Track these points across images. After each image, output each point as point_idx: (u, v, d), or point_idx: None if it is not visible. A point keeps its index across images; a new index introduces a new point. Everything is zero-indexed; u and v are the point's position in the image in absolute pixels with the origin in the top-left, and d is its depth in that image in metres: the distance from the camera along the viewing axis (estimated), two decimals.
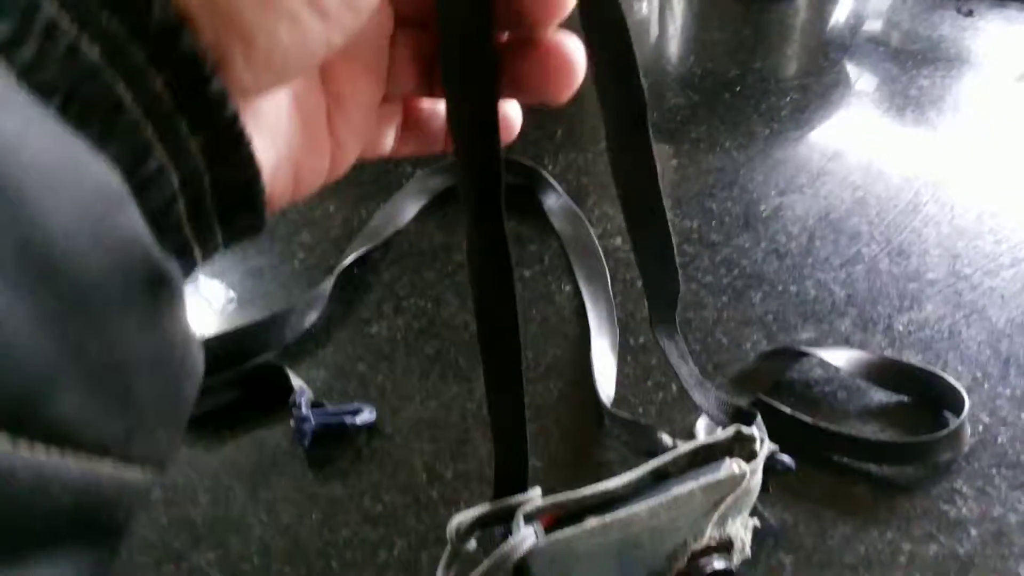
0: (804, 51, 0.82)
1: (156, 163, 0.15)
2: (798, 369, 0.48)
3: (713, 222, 0.59)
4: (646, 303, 0.38)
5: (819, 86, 0.74)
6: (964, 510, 0.41)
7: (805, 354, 0.47)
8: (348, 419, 0.46)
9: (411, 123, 0.27)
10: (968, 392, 0.44)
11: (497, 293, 0.28)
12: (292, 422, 0.46)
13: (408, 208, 0.63)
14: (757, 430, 0.36)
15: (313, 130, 0.22)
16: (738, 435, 0.36)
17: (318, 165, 0.23)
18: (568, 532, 0.32)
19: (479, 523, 0.34)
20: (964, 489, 0.41)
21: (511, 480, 0.35)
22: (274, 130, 0.20)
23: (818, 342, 0.50)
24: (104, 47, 0.14)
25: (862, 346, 0.49)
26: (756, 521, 0.37)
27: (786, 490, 0.42)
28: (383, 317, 0.55)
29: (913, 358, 0.48)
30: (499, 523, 0.35)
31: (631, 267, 0.55)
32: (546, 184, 0.63)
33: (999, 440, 0.43)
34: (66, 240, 0.13)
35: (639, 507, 0.33)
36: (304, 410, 0.46)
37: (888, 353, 0.48)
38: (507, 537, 0.33)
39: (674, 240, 0.34)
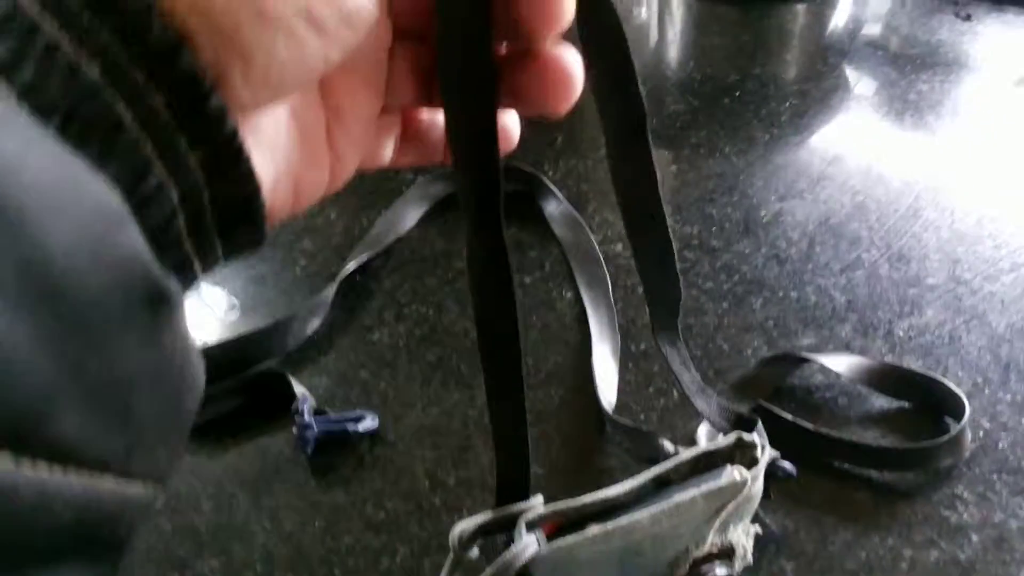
0: (803, 56, 0.82)
1: (156, 180, 0.15)
2: (799, 375, 0.48)
3: (713, 228, 0.59)
4: (647, 310, 0.38)
5: (818, 91, 0.74)
6: (965, 516, 0.41)
7: (806, 360, 0.47)
8: (351, 426, 0.46)
9: (410, 134, 0.27)
10: (968, 398, 0.44)
11: (497, 301, 0.28)
12: (295, 429, 0.46)
13: (409, 215, 0.63)
14: (758, 437, 0.37)
15: (312, 144, 0.22)
16: (739, 442, 0.36)
17: (317, 178, 0.23)
18: (570, 540, 0.32)
19: (481, 531, 0.34)
20: (965, 495, 0.41)
21: (513, 488, 0.35)
22: (273, 144, 0.20)
23: (819, 348, 0.50)
24: (104, 66, 0.14)
25: (863, 352, 0.49)
26: (757, 528, 0.37)
27: (787, 496, 0.42)
28: (385, 324, 0.55)
29: (914, 364, 0.48)
30: (501, 531, 0.35)
31: (632, 273, 0.56)
32: (547, 190, 0.63)
33: (1000, 446, 0.43)
34: (66, 259, 0.13)
35: (641, 514, 0.33)
36: (307, 417, 0.46)
37: (889, 359, 0.48)
38: (509, 545, 0.33)
39: (675, 246, 0.34)
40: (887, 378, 0.46)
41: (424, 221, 0.63)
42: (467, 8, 0.21)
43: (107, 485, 0.14)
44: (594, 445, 0.46)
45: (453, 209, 0.64)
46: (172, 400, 0.16)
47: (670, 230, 0.33)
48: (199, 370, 0.17)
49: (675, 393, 0.48)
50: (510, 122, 0.27)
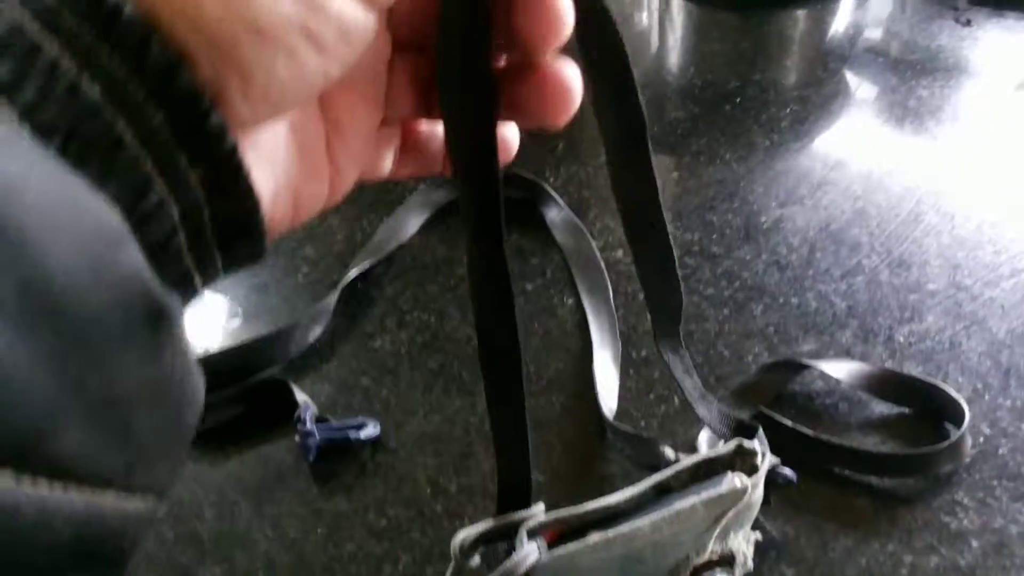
0: (803, 62, 0.82)
1: (156, 197, 0.16)
2: (799, 381, 0.48)
3: (714, 234, 0.60)
4: (649, 317, 0.38)
5: (819, 97, 0.74)
6: (965, 522, 0.41)
7: (806, 366, 0.48)
8: (352, 434, 0.47)
9: (410, 145, 0.28)
10: (968, 403, 0.44)
11: (497, 310, 0.29)
12: (297, 437, 0.47)
13: (411, 222, 0.64)
14: (759, 444, 0.37)
15: (312, 157, 0.22)
16: (739, 449, 0.36)
17: (317, 191, 0.23)
18: (571, 547, 0.33)
19: (483, 539, 0.34)
20: (965, 501, 0.41)
21: (514, 496, 0.35)
22: (273, 159, 0.20)
23: (819, 354, 0.50)
24: (104, 85, 0.15)
25: (863, 358, 0.49)
26: (758, 534, 0.37)
27: (788, 503, 0.42)
28: (387, 331, 0.55)
29: (914, 370, 0.48)
30: (503, 539, 0.35)
31: (633, 280, 0.56)
32: (548, 197, 0.63)
33: (1000, 451, 0.43)
34: (66, 278, 0.13)
35: (642, 522, 0.33)
36: (309, 425, 0.46)
37: (889, 365, 0.48)
38: (511, 553, 0.33)
39: (675, 253, 0.34)
40: (887, 384, 0.46)
41: (426, 228, 0.63)
42: (467, 22, 0.22)
43: (108, 501, 0.14)
44: (595, 452, 0.46)
45: (455, 216, 0.64)
46: (172, 415, 0.16)
47: (671, 237, 0.33)
48: (199, 384, 0.17)
49: (676, 400, 0.48)
50: (509, 133, 0.27)
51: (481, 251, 0.27)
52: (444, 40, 0.23)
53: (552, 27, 0.22)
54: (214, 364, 0.51)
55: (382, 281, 0.59)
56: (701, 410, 0.41)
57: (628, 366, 0.51)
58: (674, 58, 0.86)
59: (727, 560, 0.35)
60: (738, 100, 0.74)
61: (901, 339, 0.50)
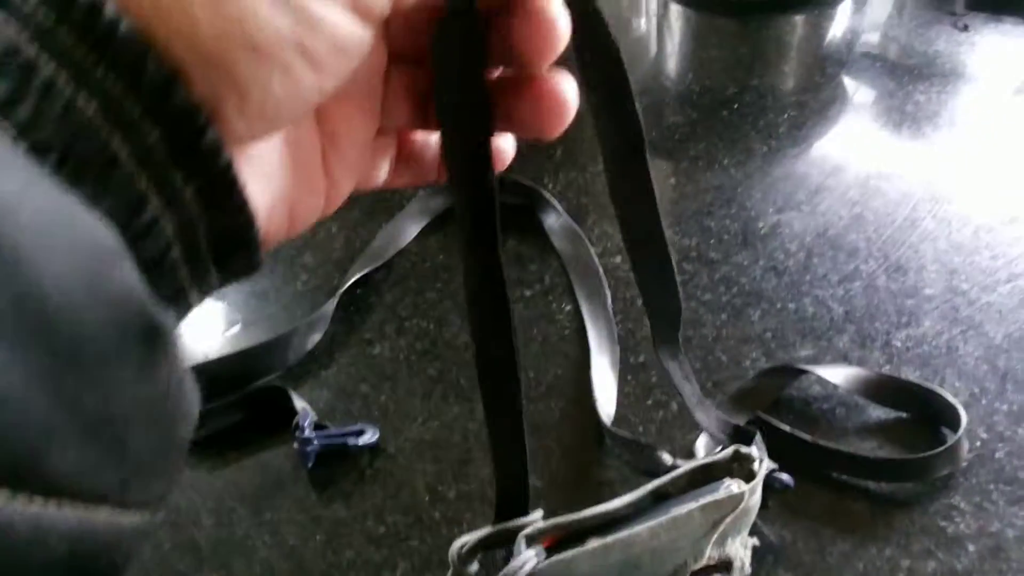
0: (801, 67, 0.82)
1: (151, 214, 0.16)
2: (797, 386, 0.48)
3: (712, 240, 0.60)
4: (648, 324, 0.38)
5: (816, 102, 0.74)
6: (962, 526, 0.41)
7: (804, 371, 0.48)
8: (351, 440, 0.47)
9: (405, 155, 0.28)
10: (965, 408, 0.44)
11: (494, 320, 0.29)
12: (295, 444, 0.47)
13: (409, 229, 0.64)
14: (756, 449, 0.37)
15: (307, 170, 0.22)
16: (737, 455, 0.37)
17: (313, 203, 0.23)
18: (569, 554, 0.33)
19: (481, 546, 0.35)
20: (962, 505, 0.42)
21: (512, 503, 0.35)
22: (268, 173, 0.20)
23: (816, 359, 0.50)
24: (100, 103, 0.15)
25: (860, 363, 0.49)
26: (756, 540, 0.37)
27: (785, 507, 0.42)
28: (385, 338, 0.55)
29: (911, 374, 0.48)
30: (501, 546, 0.35)
31: (631, 286, 0.56)
32: (546, 203, 0.63)
33: (996, 456, 0.43)
34: (61, 297, 0.13)
35: (640, 528, 0.33)
36: (307, 432, 0.46)
37: (886, 369, 0.49)
38: (509, 559, 0.33)
39: (674, 260, 0.34)
40: (884, 389, 0.47)
41: (425, 234, 0.64)
42: (462, 36, 0.22)
43: (102, 516, 0.14)
44: (593, 457, 0.46)
45: (453, 223, 0.64)
46: (167, 431, 0.16)
47: (669, 244, 0.33)
48: (194, 398, 0.17)
49: (674, 405, 0.48)
50: (504, 143, 0.27)
51: (477, 260, 0.27)
52: (439, 53, 0.23)
53: (548, 41, 0.22)
54: (213, 371, 0.52)
55: (381, 288, 0.59)
56: (699, 416, 0.42)
57: (626, 372, 0.51)
58: (672, 64, 0.86)
59: (725, 566, 0.35)
60: (736, 106, 0.74)
61: (898, 344, 0.50)
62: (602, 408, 0.48)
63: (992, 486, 0.42)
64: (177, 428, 0.16)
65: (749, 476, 0.36)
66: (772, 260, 0.57)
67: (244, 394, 0.51)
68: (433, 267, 0.61)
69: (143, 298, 0.15)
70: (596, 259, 0.58)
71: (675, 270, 0.34)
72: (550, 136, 0.24)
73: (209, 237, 0.17)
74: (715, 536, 0.34)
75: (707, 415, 0.42)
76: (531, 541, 0.34)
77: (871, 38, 0.84)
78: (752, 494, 0.35)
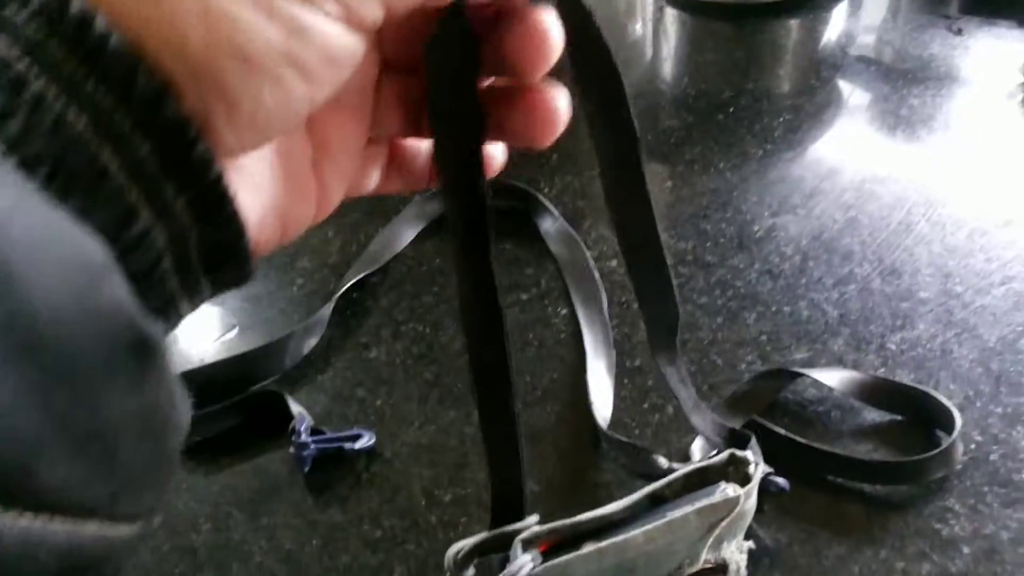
0: (796, 71, 0.83)
1: (142, 226, 0.16)
2: (792, 390, 0.48)
3: (707, 243, 0.60)
4: (644, 329, 0.38)
5: (811, 105, 0.74)
6: (957, 528, 0.41)
7: (799, 374, 0.48)
8: (347, 445, 0.47)
9: (396, 162, 0.28)
10: (960, 410, 0.44)
11: (486, 326, 0.29)
12: (291, 448, 0.47)
13: (406, 233, 0.64)
14: (752, 453, 0.37)
15: (298, 179, 0.22)
16: (733, 458, 0.37)
17: (304, 211, 0.23)
18: (565, 558, 0.33)
19: (477, 551, 0.35)
20: (956, 507, 0.42)
21: (507, 509, 0.35)
22: (259, 183, 0.20)
23: (812, 362, 0.50)
24: (91, 117, 0.15)
25: (855, 366, 0.49)
26: (751, 543, 0.37)
27: (781, 511, 0.42)
28: (382, 342, 0.55)
29: (905, 377, 0.48)
30: (497, 551, 0.35)
31: (627, 289, 0.56)
32: (542, 207, 0.64)
33: (991, 458, 0.44)
34: (51, 312, 0.13)
35: (635, 532, 0.33)
36: (304, 436, 0.46)
37: (881, 372, 0.49)
38: (505, 564, 0.33)
39: (669, 264, 0.34)
40: (879, 392, 0.47)
41: (421, 239, 0.64)
42: (455, 46, 0.22)
43: (91, 530, 0.14)
44: (589, 461, 0.47)
45: None
46: (157, 444, 0.16)
47: (665, 248, 0.33)
48: (184, 408, 0.17)
49: (669, 408, 0.48)
50: (494, 150, 0.27)
51: (469, 267, 0.27)
52: (433, 63, 0.23)
53: (541, 53, 0.22)
54: (209, 375, 0.52)
55: (377, 292, 0.59)
56: (695, 420, 0.42)
57: (622, 375, 0.51)
58: (668, 67, 0.86)
59: (720, 569, 0.35)
60: (731, 109, 0.74)
61: (893, 347, 0.50)
62: (598, 412, 0.48)
63: (986, 488, 0.42)
64: (167, 439, 0.16)
65: (745, 480, 0.36)
66: (767, 263, 0.58)
67: (240, 399, 0.51)
68: (429, 271, 0.61)
69: (133, 312, 0.15)
70: (592, 263, 0.58)
71: (671, 274, 0.35)
72: (541, 145, 0.24)
73: (200, 248, 0.17)
74: (711, 540, 0.34)
75: (703, 419, 0.42)
76: (527, 546, 0.34)
77: (866, 42, 0.85)
78: (748, 498, 0.35)
